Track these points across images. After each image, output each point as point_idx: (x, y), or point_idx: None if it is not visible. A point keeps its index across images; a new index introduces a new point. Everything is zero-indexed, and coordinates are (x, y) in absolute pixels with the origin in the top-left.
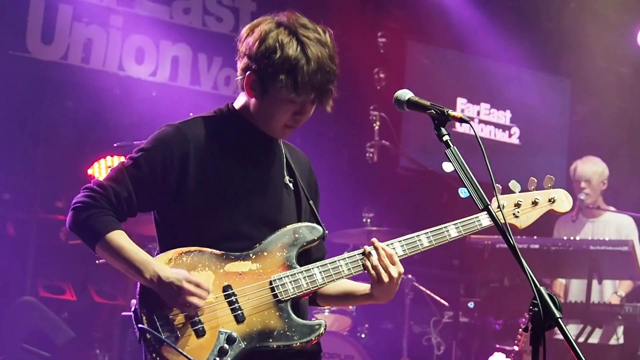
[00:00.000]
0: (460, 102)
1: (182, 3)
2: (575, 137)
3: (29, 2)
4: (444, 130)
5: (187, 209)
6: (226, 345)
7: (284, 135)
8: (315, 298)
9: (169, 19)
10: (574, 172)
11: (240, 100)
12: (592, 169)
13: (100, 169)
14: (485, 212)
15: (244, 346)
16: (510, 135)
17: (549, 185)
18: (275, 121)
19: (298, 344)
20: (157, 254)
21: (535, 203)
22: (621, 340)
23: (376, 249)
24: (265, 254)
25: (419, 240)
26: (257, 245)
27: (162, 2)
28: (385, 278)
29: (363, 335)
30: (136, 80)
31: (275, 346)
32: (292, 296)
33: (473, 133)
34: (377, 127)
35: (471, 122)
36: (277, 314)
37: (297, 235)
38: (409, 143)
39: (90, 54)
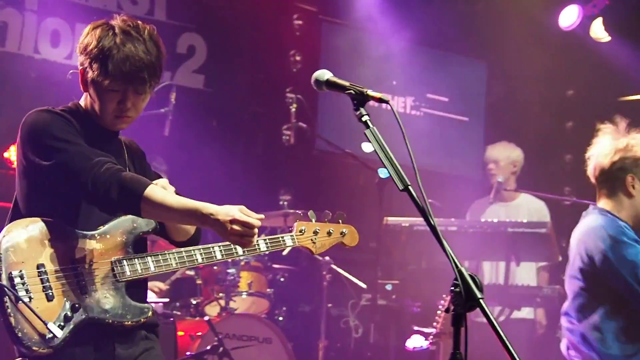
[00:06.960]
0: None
1: None
2: (491, 119)
3: None
4: (363, 111)
5: (45, 185)
6: (70, 313)
7: (117, 126)
8: (173, 239)
9: (84, 2)
10: (485, 154)
11: (82, 98)
12: (502, 151)
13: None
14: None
15: (84, 317)
16: None
17: (340, 220)
18: (102, 111)
19: (130, 322)
20: (9, 222)
21: (329, 234)
22: (542, 322)
23: None
24: (108, 236)
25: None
26: (101, 227)
27: None
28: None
29: (281, 318)
30: (52, 64)
31: (110, 321)
32: (128, 279)
33: (393, 114)
34: (293, 110)
35: (390, 102)
36: (114, 292)
37: (135, 225)
38: (325, 125)
39: (5, 37)
